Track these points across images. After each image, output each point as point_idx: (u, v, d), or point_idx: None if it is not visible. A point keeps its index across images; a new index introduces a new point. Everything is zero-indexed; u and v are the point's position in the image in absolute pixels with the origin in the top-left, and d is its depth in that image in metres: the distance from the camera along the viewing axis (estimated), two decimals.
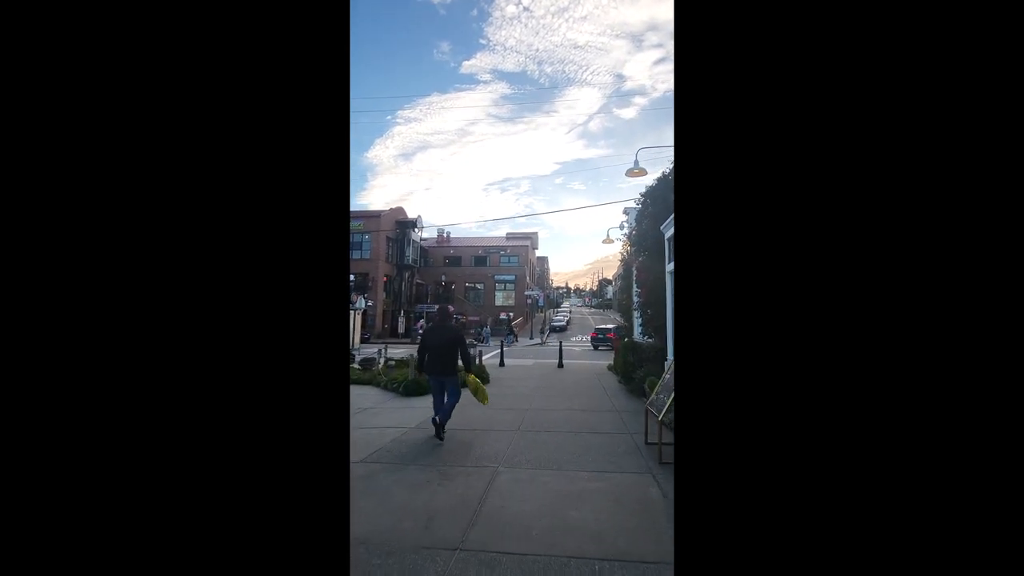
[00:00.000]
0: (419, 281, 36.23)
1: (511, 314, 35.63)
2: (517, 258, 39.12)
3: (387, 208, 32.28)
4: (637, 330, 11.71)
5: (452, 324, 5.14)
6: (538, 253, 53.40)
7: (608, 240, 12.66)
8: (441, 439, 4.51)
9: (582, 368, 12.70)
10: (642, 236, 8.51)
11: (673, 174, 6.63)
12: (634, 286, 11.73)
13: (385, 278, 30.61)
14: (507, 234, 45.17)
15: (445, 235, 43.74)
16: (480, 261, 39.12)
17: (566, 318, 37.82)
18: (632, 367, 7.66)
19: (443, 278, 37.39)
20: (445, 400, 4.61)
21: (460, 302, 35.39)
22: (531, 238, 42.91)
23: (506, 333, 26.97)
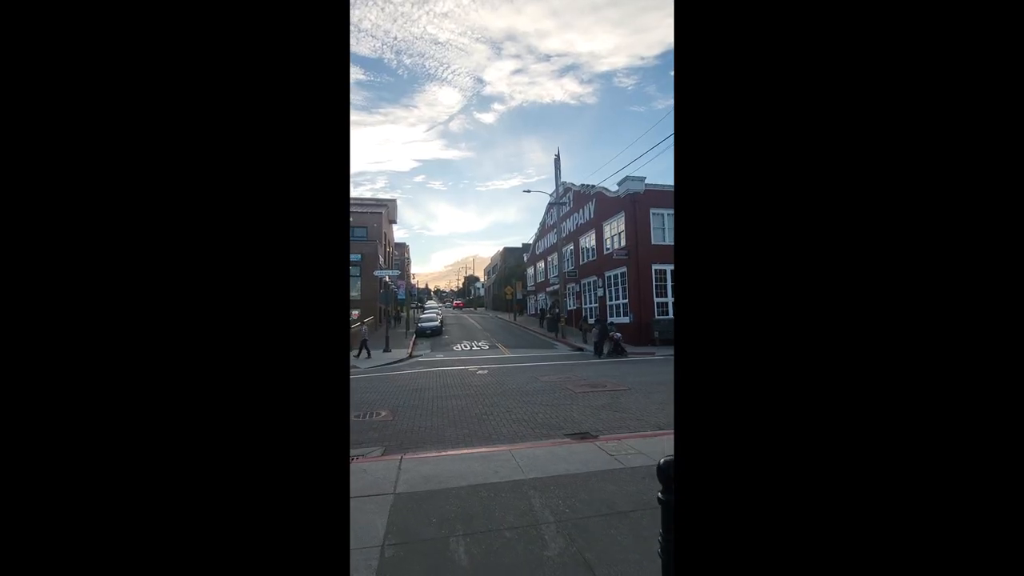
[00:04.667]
0: None
1: (355, 313, 23.01)
2: (365, 231, 26.54)
3: None
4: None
5: None
6: (397, 235, 40.86)
7: None
8: None
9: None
10: None
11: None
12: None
13: None
14: (352, 199, 31.83)
15: None
16: None
17: (438, 317, 26.72)
18: None
19: None
20: None
21: None
22: (387, 206, 30.52)
23: (363, 344, 14.73)
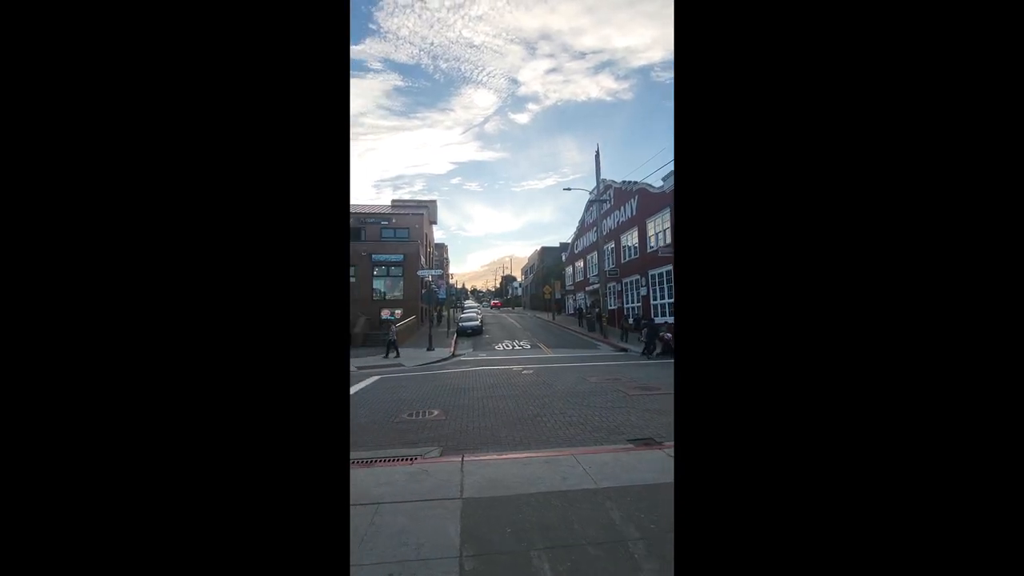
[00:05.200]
0: None
1: (398, 312, 23.51)
2: (407, 232, 27.03)
3: None
4: None
5: None
6: (437, 236, 41.40)
7: None
8: None
9: None
10: None
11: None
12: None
13: None
14: (393, 201, 32.47)
15: None
16: (351, 235, 26.11)
17: (479, 316, 26.83)
18: None
19: None
20: None
21: None
22: (427, 207, 30.98)
23: (391, 343, 15.02)
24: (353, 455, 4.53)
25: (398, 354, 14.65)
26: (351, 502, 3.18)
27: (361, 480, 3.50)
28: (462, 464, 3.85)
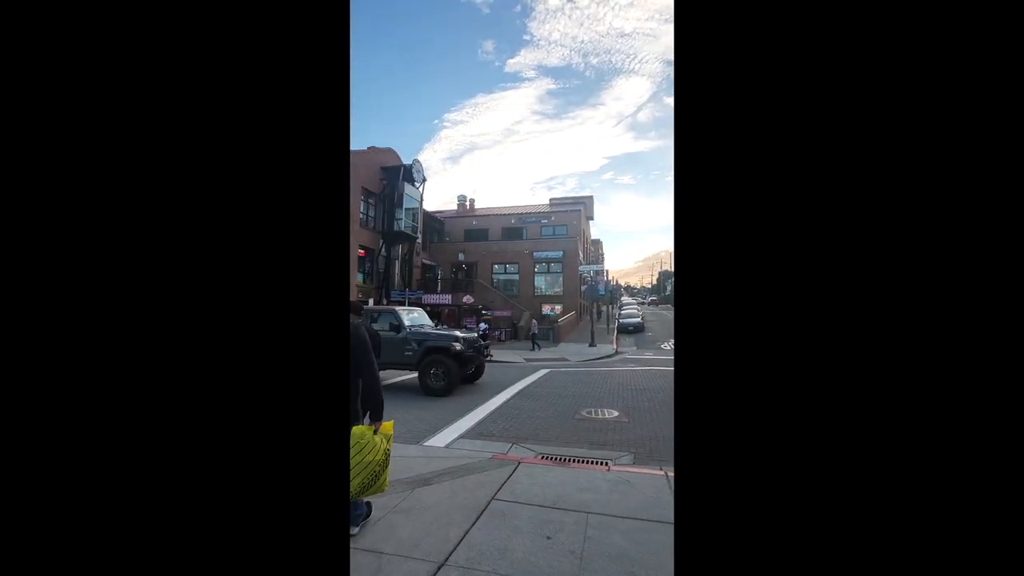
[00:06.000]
0: (426, 260, 25.28)
1: (557, 308, 23.83)
2: (566, 229, 27.20)
3: (365, 148, 21.17)
4: None
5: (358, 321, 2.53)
6: (593, 233, 40.88)
7: None
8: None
9: None
10: None
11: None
12: None
13: (362, 251, 19.74)
14: (551, 199, 33.15)
15: (468, 203, 32.68)
16: (513, 234, 27.50)
17: (638, 314, 25.41)
18: None
19: (461, 257, 26.18)
20: None
21: (483, 289, 24.00)
22: (584, 203, 30.67)
23: (532, 337, 15.36)
24: (542, 450, 4.42)
25: (539, 347, 14.90)
26: (553, 504, 2.99)
27: (561, 480, 3.29)
28: (668, 480, 3.34)
